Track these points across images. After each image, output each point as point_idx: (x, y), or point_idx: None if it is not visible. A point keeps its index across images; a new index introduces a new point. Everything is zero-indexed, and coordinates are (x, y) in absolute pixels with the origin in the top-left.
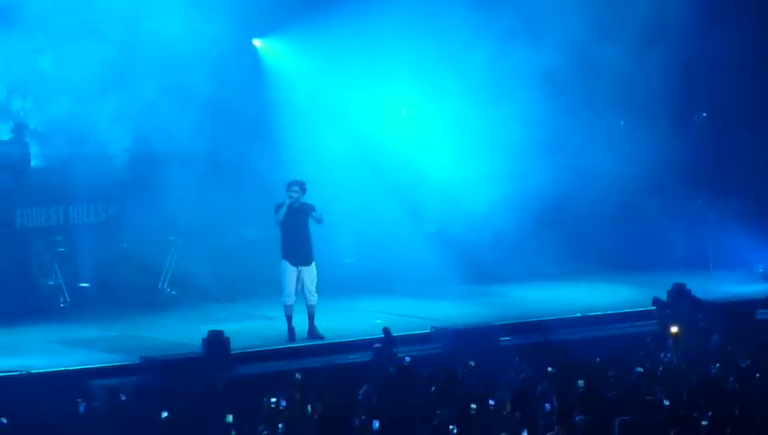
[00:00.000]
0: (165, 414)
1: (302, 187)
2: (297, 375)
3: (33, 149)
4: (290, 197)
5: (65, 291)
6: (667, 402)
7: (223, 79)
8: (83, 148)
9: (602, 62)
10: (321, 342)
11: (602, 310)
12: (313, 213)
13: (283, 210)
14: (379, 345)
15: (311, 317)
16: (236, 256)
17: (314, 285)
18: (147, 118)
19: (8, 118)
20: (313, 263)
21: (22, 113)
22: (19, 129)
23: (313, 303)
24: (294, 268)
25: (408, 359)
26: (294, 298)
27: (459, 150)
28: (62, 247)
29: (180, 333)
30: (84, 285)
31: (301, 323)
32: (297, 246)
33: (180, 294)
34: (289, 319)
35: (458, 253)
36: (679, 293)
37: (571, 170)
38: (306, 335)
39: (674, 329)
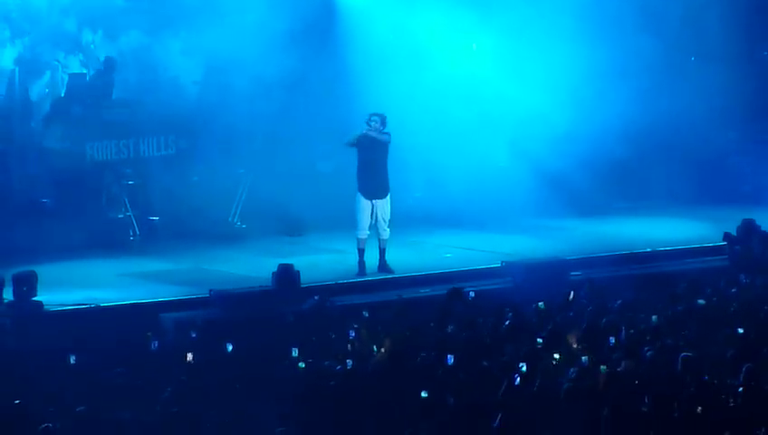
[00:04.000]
0: (230, 347)
1: (383, 119)
2: (365, 313)
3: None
4: (368, 126)
5: (135, 224)
6: (741, 330)
7: (296, 12)
8: (154, 80)
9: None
10: (390, 276)
11: (672, 245)
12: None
13: (354, 136)
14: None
15: (382, 251)
16: (307, 190)
17: (387, 218)
18: (217, 50)
19: (78, 50)
20: (388, 196)
21: (92, 46)
22: (91, 62)
23: (386, 237)
24: (368, 201)
25: (472, 294)
26: (368, 232)
27: (528, 87)
28: (132, 180)
29: (250, 266)
30: (154, 218)
31: (372, 258)
32: (372, 179)
33: (250, 228)
34: (361, 252)
35: (529, 187)
36: (749, 228)
37: (641, 106)
38: (377, 269)
39: None
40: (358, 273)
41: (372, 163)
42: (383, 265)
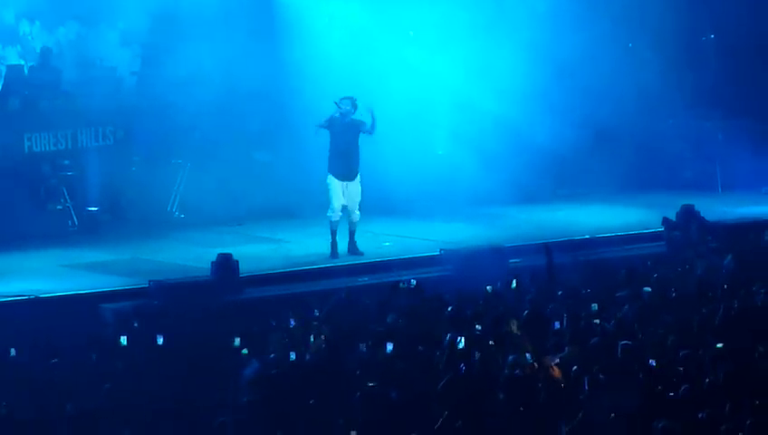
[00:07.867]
0: (161, 340)
1: (354, 102)
2: (306, 302)
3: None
4: (339, 108)
5: (74, 215)
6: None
7: (234, 2)
8: (91, 71)
9: None
10: (339, 263)
11: (611, 231)
12: (363, 127)
13: (325, 119)
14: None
15: (351, 234)
16: (245, 179)
17: (358, 201)
18: (155, 41)
19: (16, 42)
20: (358, 178)
21: (29, 37)
22: (28, 53)
23: (356, 220)
24: (340, 183)
25: (414, 281)
26: (341, 214)
27: (467, 75)
28: (71, 171)
29: (189, 256)
30: (92, 209)
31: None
32: (345, 161)
33: (189, 218)
34: (333, 234)
35: (467, 175)
36: (688, 214)
37: (580, 93)
38: (347, 252)
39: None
40: (330, 255)
41: (344, 145)
42: (353, 248)
